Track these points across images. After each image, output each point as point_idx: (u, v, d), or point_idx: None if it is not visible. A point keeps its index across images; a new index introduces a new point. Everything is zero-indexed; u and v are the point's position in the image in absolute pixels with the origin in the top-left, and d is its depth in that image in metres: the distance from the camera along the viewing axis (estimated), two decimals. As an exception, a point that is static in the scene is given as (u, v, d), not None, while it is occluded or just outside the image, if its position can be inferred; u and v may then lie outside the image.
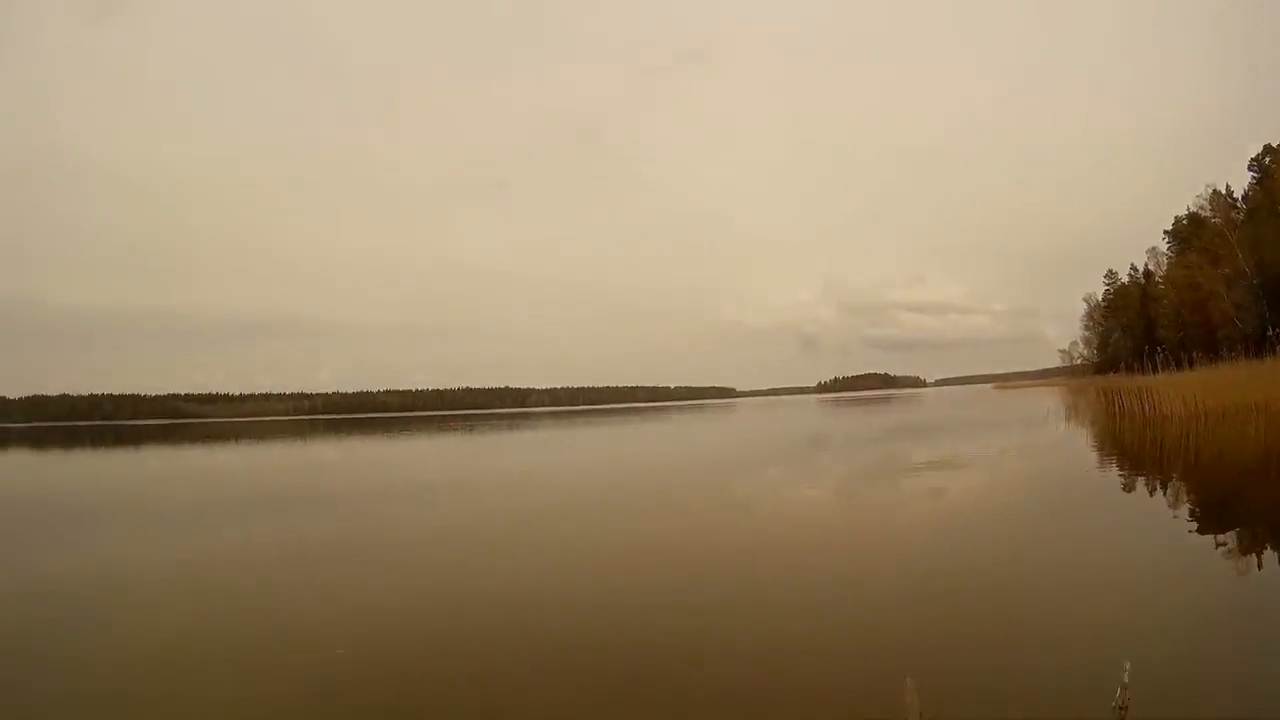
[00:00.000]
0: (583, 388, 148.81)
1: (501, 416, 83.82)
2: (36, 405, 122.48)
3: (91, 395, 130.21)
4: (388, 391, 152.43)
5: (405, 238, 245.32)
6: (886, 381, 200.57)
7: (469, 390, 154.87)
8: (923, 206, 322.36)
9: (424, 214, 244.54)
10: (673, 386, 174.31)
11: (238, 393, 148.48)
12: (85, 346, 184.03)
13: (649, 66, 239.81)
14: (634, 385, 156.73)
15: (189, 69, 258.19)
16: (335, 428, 60.72)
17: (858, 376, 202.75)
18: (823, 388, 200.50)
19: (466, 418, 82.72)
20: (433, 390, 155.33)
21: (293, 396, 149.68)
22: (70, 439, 49.22)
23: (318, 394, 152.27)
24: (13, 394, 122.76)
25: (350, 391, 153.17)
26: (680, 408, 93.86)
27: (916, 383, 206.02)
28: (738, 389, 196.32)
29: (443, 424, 59.07)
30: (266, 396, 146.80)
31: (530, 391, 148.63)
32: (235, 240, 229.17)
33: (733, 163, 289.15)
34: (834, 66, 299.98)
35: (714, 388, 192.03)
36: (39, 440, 48.67)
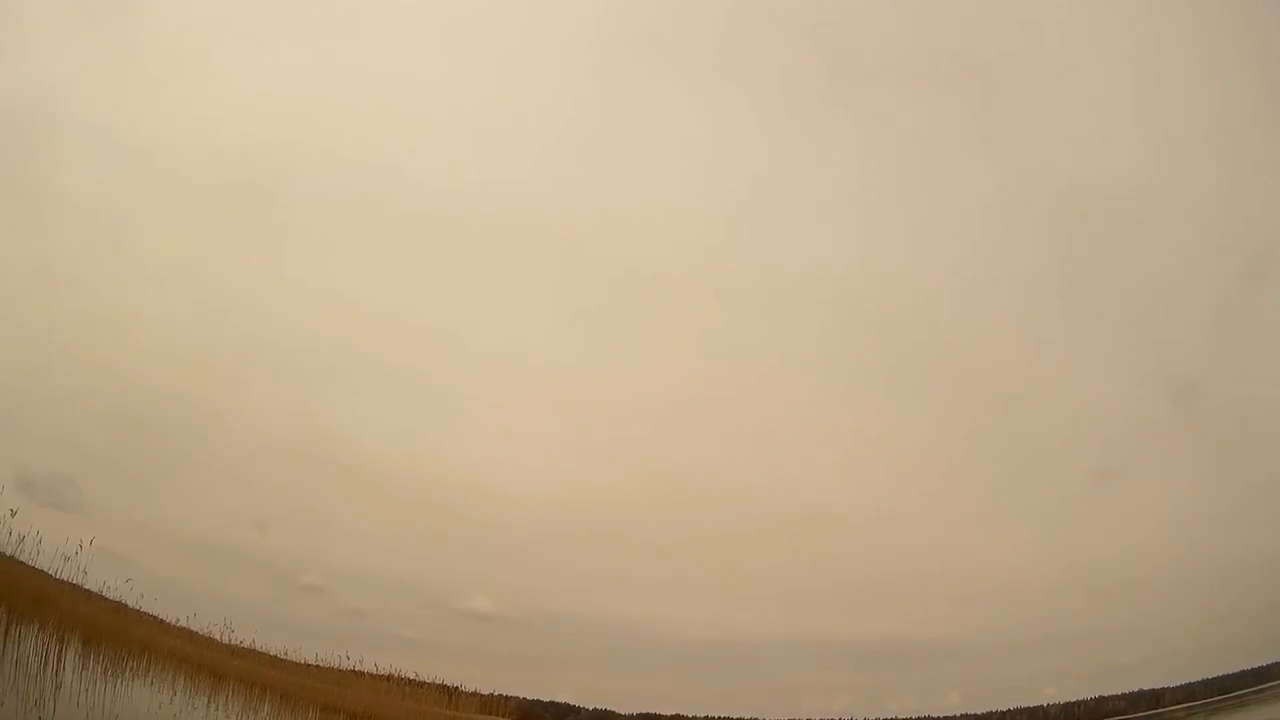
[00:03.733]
0: (1218, 677, 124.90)
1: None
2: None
3: (708, 717, 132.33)
4: (1016, 709, 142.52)
5: (1015, 546, 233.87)
6: None
7: (1100, 699, 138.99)
8: None
9: (1030, 518, 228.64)
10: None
11: (861, 718, 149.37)
12: (713, 670, 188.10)
13: (1218, 295, 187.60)
14: (1271, 663, 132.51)
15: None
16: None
17: None
18: None
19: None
20: (1062, 704, 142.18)
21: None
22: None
23: (944, 717, 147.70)
24: (624, 709, 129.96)
25: (979, 713, 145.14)
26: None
27: None
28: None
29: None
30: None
31: (1164, 691, 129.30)
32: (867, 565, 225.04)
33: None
34: None
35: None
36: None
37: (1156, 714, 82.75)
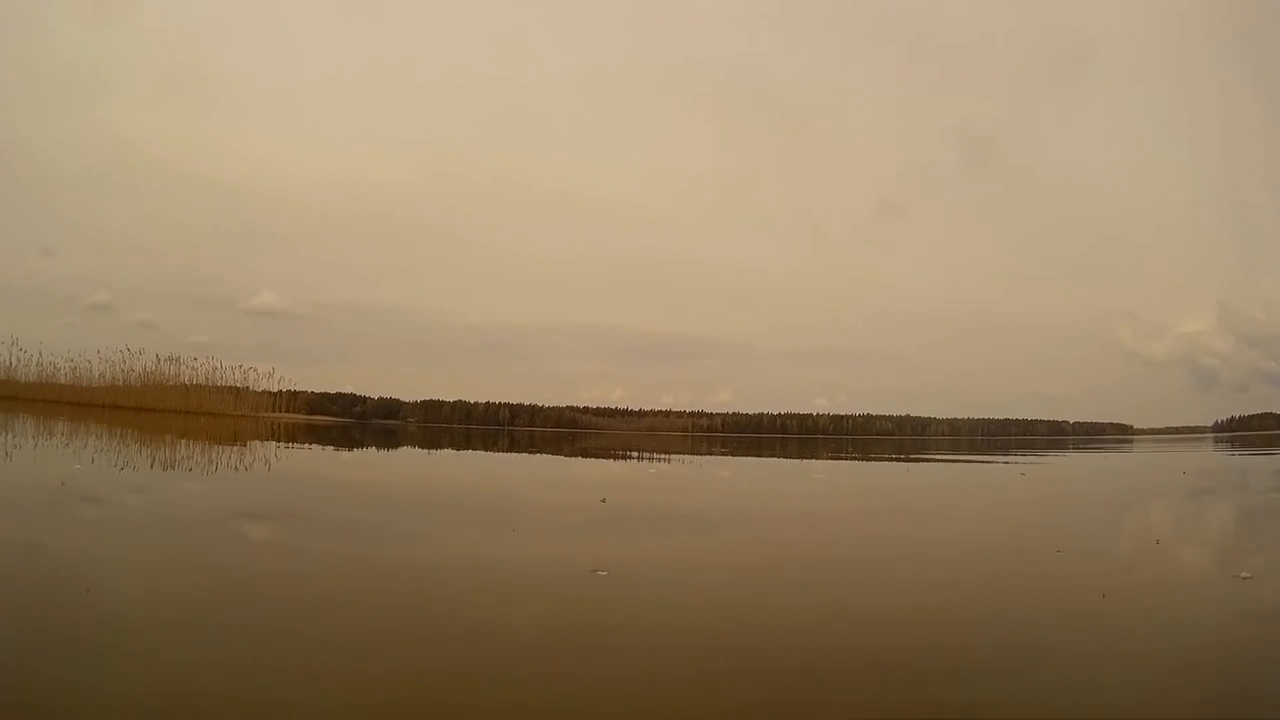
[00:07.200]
0: (983, 419, 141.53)
1: (901, 443, 77.14)
2: (431, 408, 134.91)
3: (489, 402, 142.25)
4: (787, 414, 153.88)
5: (800, 263, 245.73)
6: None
7: (869, 417, 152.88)
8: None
9: (816, 238, 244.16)
10: (1071, 422, 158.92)
11: (637, 408, 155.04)
12: (492, 359, 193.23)
13: (1031, 77, 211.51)
14: (1034, 419, 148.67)
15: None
16: (730, 445, 58.55)
17: (1254, 416, 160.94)
18: (1219, 427, 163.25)
19: (862, 442, 77.27)
20: (832, 415, 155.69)
21: (692, 414, 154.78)
22: (463, 440, 48.68)
23: (717, 413, 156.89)
24: (409, 398, 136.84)
25: (750, 412, 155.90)
26: (1081, 444, 74.85)
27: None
28: (1135, 426, 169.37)
29: (837, 448, 55.71)
30: (666, 413, 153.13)
31: (930, 421, 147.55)
32: (651, 263, 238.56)
33: (1125, 174, 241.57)
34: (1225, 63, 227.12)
35: (1112, 424, 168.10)
36: (431, 440, 48.27)
37: (922, 439, 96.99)
